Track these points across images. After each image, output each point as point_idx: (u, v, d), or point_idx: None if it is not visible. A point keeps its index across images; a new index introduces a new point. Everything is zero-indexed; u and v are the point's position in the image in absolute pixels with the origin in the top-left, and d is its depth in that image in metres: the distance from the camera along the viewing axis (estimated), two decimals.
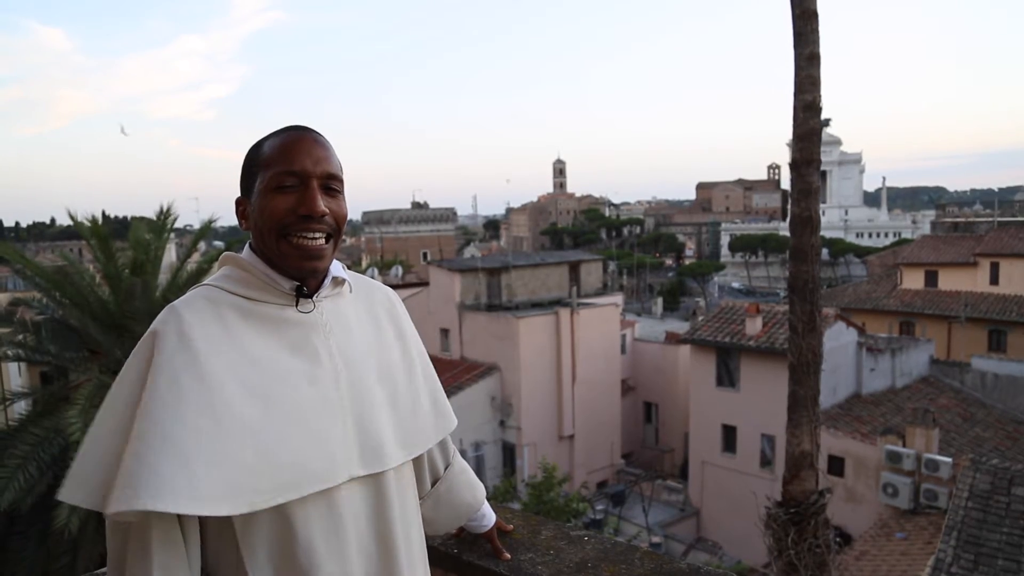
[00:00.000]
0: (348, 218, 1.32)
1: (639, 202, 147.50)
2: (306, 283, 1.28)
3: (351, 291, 1.37)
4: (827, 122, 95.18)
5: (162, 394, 1.10)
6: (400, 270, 38.83)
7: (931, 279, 29.40)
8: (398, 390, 1.36)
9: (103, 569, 1.68)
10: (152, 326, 1.19)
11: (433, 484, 1.60)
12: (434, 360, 1.85)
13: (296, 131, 1.27)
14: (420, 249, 63.14)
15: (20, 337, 9.81)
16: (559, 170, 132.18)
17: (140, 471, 1.05)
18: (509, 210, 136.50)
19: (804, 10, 6.34)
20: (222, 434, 1.11)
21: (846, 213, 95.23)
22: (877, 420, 17.44)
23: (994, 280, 27.80)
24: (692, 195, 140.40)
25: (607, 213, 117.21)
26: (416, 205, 70.86)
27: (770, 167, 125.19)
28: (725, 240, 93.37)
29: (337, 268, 1.35)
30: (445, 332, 23.80)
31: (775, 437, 17.57)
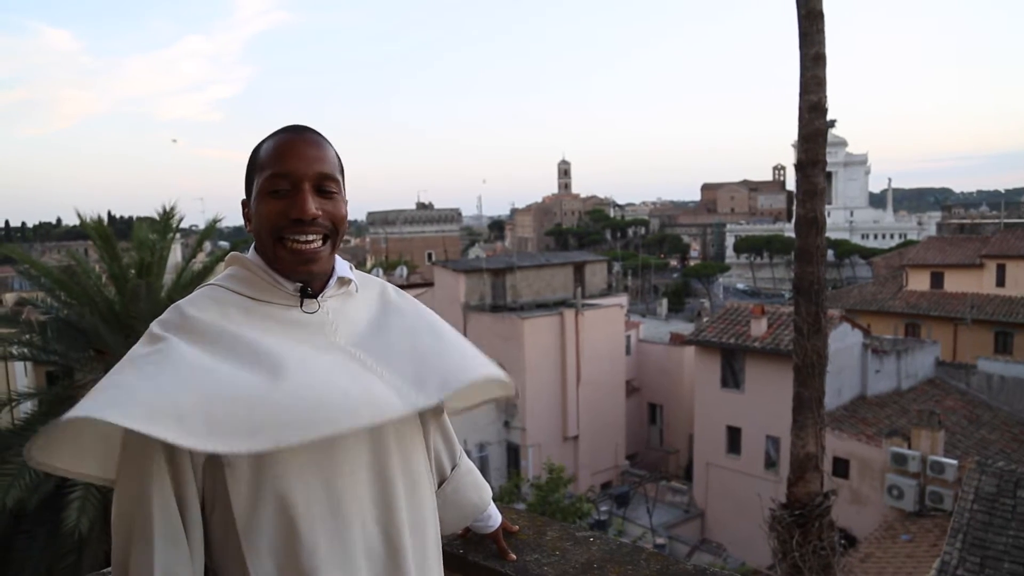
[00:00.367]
0: (350, 218, 1.30)
1: (644, 203, 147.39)
2: (310, 284, 1.27)
3: (357, 291, 1.36)
4: (833, 123, 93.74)
5: (175, 359, 1.10)
6: (405, 271, 38.88)
7: (937, 281, 29.32)
8: (419, 355, 1.29)
9: (109, 568, 1.69)
10: (159, 321, 1.20)
11: (440, 484, 1.60)
12: None
13: (290, 132, 1.26)
14: (425, 250, 63.13)
15: (26, 337, 9.85)
16: (564, 171, 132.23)
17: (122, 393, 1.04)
18: (514, 211, 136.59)
19: (810, 10, 6.34)
20: (239, 377, 1.09)
21: (851, 214, 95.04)
22: (882, 422, 17.39)
23: (1000, 282, 27.71)
24: (697, 196, 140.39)
25: (612, 214, 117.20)
26: (421, 206, 70.85)
27: (775, 168, 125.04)
28: (730, 241, 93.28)
29: (343, 268, 1.34)
30: None
31: (780, 439, 17.55)
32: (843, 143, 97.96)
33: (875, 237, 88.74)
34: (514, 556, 1.84)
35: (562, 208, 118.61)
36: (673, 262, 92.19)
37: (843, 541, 12.74)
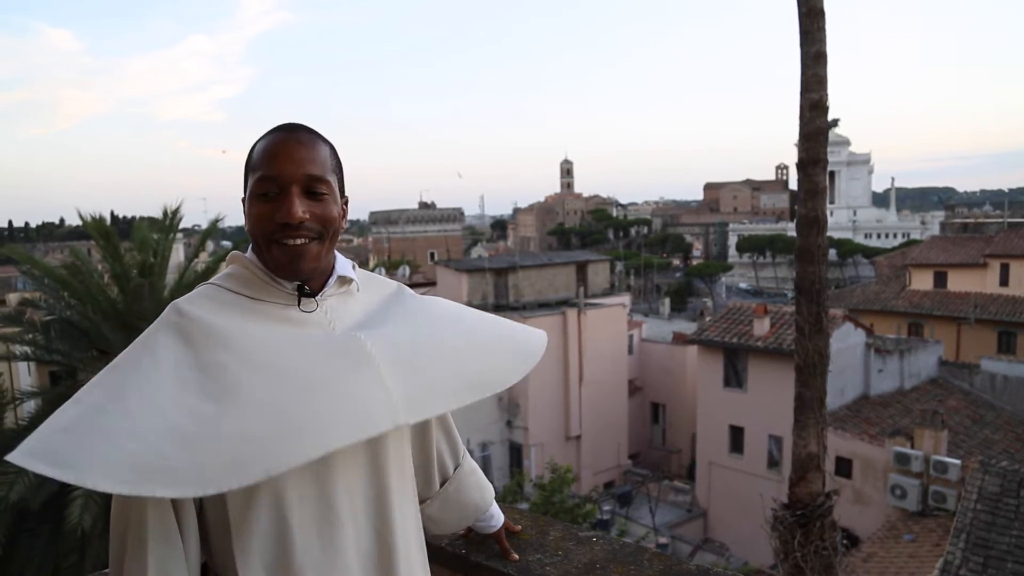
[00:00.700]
0: (352, 218, 1.29)
1: (646, 202, 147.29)
2: (308, 282, 1.26)
3: (359, 290, 1.35)
4: (835, 122, 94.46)
5: (152, 379, 1.08)
6: (407, 270, 38.88)
7: (940, 280, 29.27)
8: (423, 357, 1.27)
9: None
10: (156, 321, 1.20)
11: (442, 484, 1.60)
12: None
13: (279, 132, 1.24)
14: (427, 249, 63.13)
15: (29, 337, 9.87)
16: (566, 170, 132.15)
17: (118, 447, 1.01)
18: (516, 210, 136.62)
19: (811, 8, 6.33)
20: (227, 414, 1.07)
21: (855, 214, 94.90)
22: (885, 421, 17.37)
23: (1004, 281, 27.66)
24: (699, 195, 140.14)
25: (614, 213, 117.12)
26: (423, 205, 70.79)
27: (778, 167, 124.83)
28: (733, 241, 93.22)
29: (344, 267, 1.33)
30: None
31: (783, 438, 17.53)
32: (846, 142, 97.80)
33: (878, 236, 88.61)
34: (516, 556, 1.84)
35: (564, 207, 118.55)
36: (676, 261, 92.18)
37: (845, 541, 12.72)
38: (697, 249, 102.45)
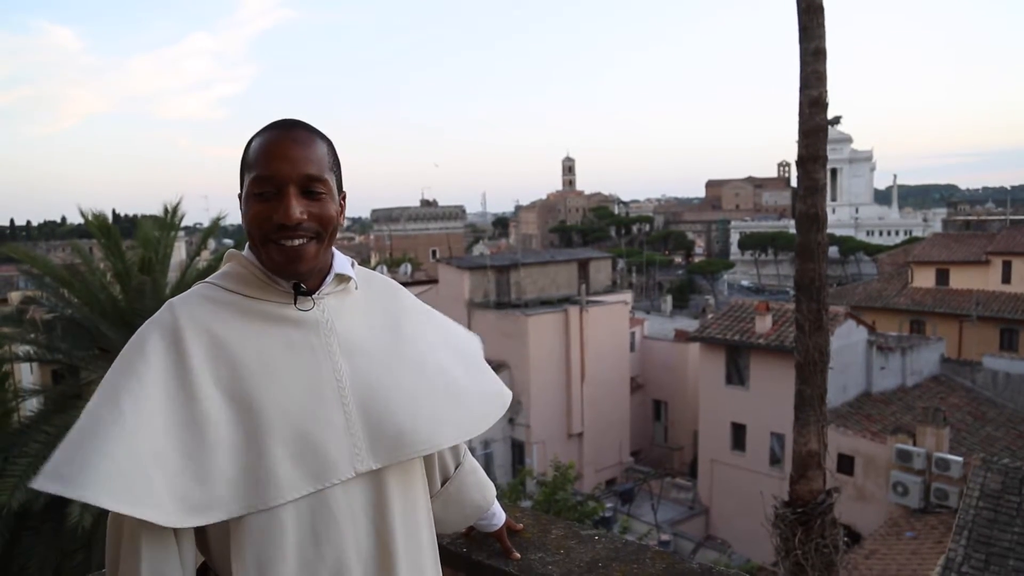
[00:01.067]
0: (353, 215, 1.29)
1: (648, 200, 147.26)
2: (305, 281, 1.26)
3: (357, 288, 1.35)
4: (837, 120, 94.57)
5: (145, 404, 1.12)
6: (409, 268, 38.86)
7: (942, 277, 29.23)
8: (405, 386, 1.32)
9: None
10: (149, 323, 1.21)
11: (443, 483, 1.59)
12: None
13: (275, 130, 1.22)
14: (429, 247, 63.15)
15: (31, 336, 9.87)
16: (568, 168, 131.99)
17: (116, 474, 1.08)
18: (518, 208, 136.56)
19: (810, 4, 6.30)
20: (204, 450, 1.13)
21: (856, 211, 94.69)
22: (887, 419, 17.36)
23: (1006, 279, 27.63)
24: (702, 193, 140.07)
25: (616, 211, 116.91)
26: (425, 203, 70.78)
27: (780, 165, 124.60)
28: (735, 238, 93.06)
29: (342, 265, 1.32)
30: None
31: (784, 435, 17.50)
32: (848, 139, 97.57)
33: (880, 234, 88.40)
34: (518, 555, 1.83)
35: (566, 205, 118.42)
36: (677, 259, 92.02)
37: (847, 538, 12.69)
38: (699, 246, 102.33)
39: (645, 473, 22.70)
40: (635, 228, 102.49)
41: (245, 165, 1.23)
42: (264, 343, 1.21)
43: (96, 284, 9.93)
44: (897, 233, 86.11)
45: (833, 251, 66.63)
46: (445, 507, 1.60)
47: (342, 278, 1.32)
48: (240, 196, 1.28)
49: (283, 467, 1.15)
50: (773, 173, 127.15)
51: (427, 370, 1.36)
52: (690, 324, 34.13)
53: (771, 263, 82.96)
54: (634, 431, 24.77)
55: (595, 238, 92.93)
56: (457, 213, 70.66)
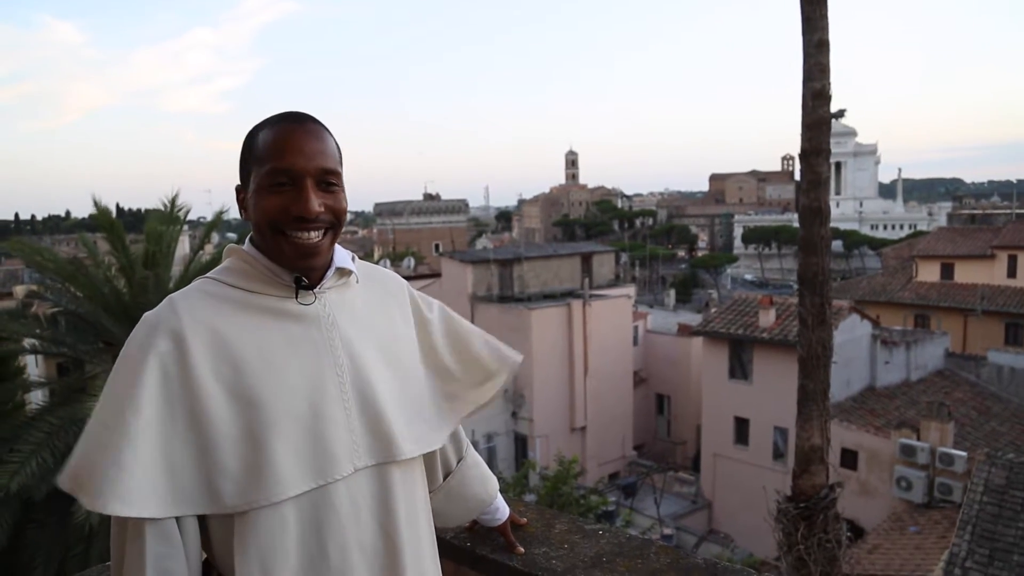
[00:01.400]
0: (356, 209, 1.29)
1: (652, 193, 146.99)
2: (307, 275, 1.25)
3: (358, 282, 1.35)
4: (841, 113, 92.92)
5: (151, 407, 1.14)
6: (412, 262, 38.92)
7: (947, 272, 29.14)
8: (408, 382, 1.35)
9: None
10: (148, 319, 1.20)
11: (445, 477, 1.59)
12: None
13: (289, 122, 1.22)
14: (432, 241, 63.14)
15: (36, 330, 9.89)
16: (571, 161, 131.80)
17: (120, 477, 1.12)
18: (521, 201, 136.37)
19: None
20: (208, 446, 1.14)
21: (861, 205, 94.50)
22: (891, 413, 17.33)
23: (1012, 273, 27.53)
24: (705, 186, 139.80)
25: (619, 204, 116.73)
26: (428, 197, 70.74)
27: (784, 158, 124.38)
28: (738, 232, 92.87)
29: (343, 259, 1.32)
30: None
31: (788, 430, 17.48)
32: (853, 133, 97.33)
33: (885, 228, 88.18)
34: (522, 549, 1.83)
35: (569, 199, 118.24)
36: (681, 253, 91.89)
37: (850, 533, 12.69)
38: (702, 240, 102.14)
39: (648, 467, 22.72)
40: (638, 222, 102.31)
41: (253, 157, 1.23)
42: (265, 338, 1.21)
43: (100, 278, 9.94)
44: (902, 227, 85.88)
45: (837, 245, 66.55)
46: (447, 500, 1.60)
47: (343, 272, 1.31)
48: (238, 188, 1.28)
49: (285, 462, 1.16)
50: (777, 167, 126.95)
51: (423, 367, 1.39)
52: (693, 318, 34.06)
53: (775, 257, 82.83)
54: (637, 425, 24.78)
55: (598, 232, 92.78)
56: (460, 207, 70.61)
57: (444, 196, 71.15)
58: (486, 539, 1.89)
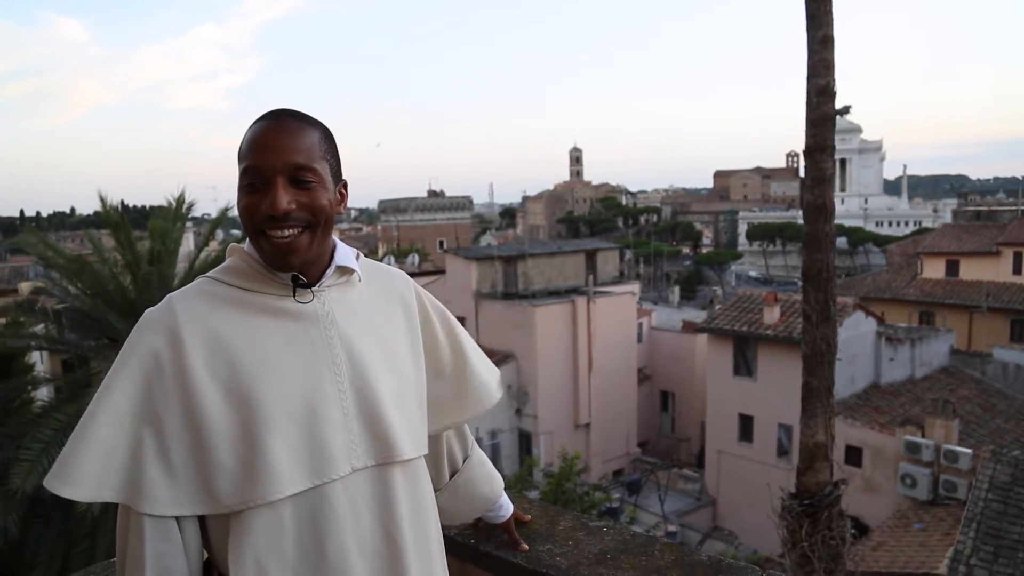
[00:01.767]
0: (361, 206, 1.28)
1: (656, 190, 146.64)
2: (305, 273, 1.24)
3: (360, 280, 1.33)
4: (847, 110, 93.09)
5: (127, 401, 1.17)
6: (417, 258, 38.93)
7: (952, 268, 29.06)
8: (407, 382, 1.33)
9: None
10: (146, 318, 1.21)
11: (451, 476, 1.59)
12: None
13: (264, 121, 1.20)
14: (436, 237, 63.08)
15: (41, 326, 9.92)
16: (576, 158, 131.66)
17: (132, 476, 1.16)
18: (525, 198, 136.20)
19: None
20: (204, 444, 1.15)
21: (866, 202, 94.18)
22: (896, 410, 17.29)
23: (1017, 270, 27.44)
24: (710, 183, 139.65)
25: (624, 201, 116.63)
26: (432, 193, 70.71)
27: (789, 155, 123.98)
28: (743, 229, 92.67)
29: (344, 257, 1.30)
30: (461, 320, 23.29)
31: (792, 427, 17.45)
32: (858, 129, 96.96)
33: (890, 224, 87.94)
34: (526, 546, 1.83)
35: (574, 195, 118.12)
36: (685, 250, 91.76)
37: (855, 530, 12.67)
38: (707, 237, 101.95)
39: (652, 464, 22.72)
40: (642, 219, 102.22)
41: (238, 157, 1.22)
42: (262, 336, 1.20)
43: (106, 275, 9.97)
44: (907, 224, 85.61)
45: (842, 242, 66.29)
46: (454, 499, 1.60)
47: (344, 270, 1.30)
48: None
49: (281, 461, 1.16)
50: (782, 163, 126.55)
51: (426, 368, 1.38)
52: (698, 315, 34.04)
53: (779, 254, 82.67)
54: (641, 422, 24.77)
55: (602, 229, 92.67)
56: (464, 204, 70.54)
57: (448, 193, 71.11)
58: (490, 536, 1.89)
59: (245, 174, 1.19)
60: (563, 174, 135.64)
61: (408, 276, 1.48)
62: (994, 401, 18.57)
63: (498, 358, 21.94)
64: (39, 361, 17.09)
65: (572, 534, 1.91)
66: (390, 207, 68.97)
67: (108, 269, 10.07)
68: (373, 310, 1.33)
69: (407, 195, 68.62)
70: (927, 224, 75.97)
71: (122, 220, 10.19)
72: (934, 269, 29.56)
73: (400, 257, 40.22)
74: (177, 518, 1.17)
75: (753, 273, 79.56)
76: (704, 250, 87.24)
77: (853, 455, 16.41)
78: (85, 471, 1.15)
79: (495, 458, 19.82)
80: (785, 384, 16.61)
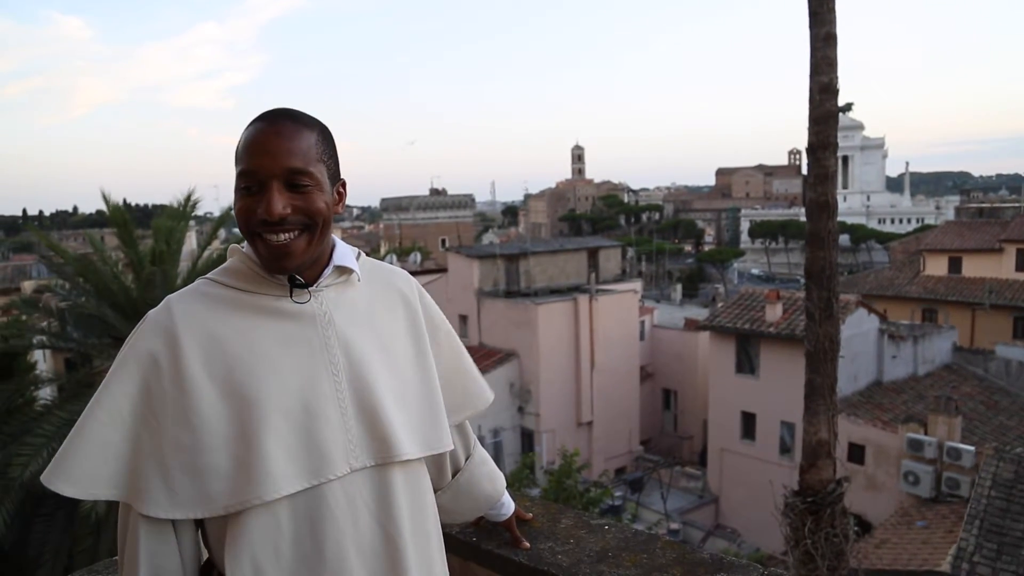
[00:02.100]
0: (363, 204, 1.28)
1: (658, 188, 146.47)
2: (303, 273, 1.24)
3: (360, 279, 1.32)
4: (849, 107, 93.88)
5: (126, 401, 1.18)
6: (419, 257, 38.92)
7: (955, 265, 29.00)
8: (409, 382, 1.32)
9: None
10: (145, 321, 1.22)
11: (454, 474, 1.58)
12: None
13: (260, 122, 1.19)
14: (438, 236, 63.04)
15: (44, 325, 9.94)
16: (577, 156, 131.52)
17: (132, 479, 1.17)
18: (527, 196, 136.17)
19: None
20: (200, 446, 1.15)
21: (868, 199, 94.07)
22: (899, 408, 17.28)
23: (1020, 267, 27.36)
24: (712, 181, 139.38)
25: (626, 199, 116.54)
26: (434, 192, 70.67)
27: (791, 152, 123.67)
28: (745, 226, 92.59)
29: (343, 257, 1.30)
30: (464, 319, 23.85)
31: (795, 424, 17.45)
32: (860, 127, 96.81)
33: (892, 222, 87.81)
34: (527, 544, 1.83)
35: (576, 193, 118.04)
36: (687, 247, 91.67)
37: (857, 527, 12.65)
38: (709, 235, 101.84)
39: (655, 462, 22.70)
40: (645, 216, 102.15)
41: (235, 160, 1.22)
42: (259, 337, 1.20)
43: (109, 273, 9.98)
44: (909, 221, 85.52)
45: (844, 239, 66.28)
46: (456, 498, 1.59)
47: (343, 270, 1.30)
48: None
49: (277, 462, 1.15)
50: (784, 161, 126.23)
51: (428, 368, 1.37)
52: (700, 313, 34.01)
53: (781, 251, 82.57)
54: (644, 420, 24.77)
55: (604, 226, 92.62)
56: (466, 202, 70.49)
57: (450, 191, 71.06)
58: (492, 534, 1.89)
59: (241, 177, 1.19)
60: (565, 172, 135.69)
61: (410, 275, 1.47)
62: (997, 398, 18.55)
63: (500, 356, 21.96)
64: (42, 360, 17.14)
65: (573, 532, 1.92)
66: (392, 205, 68.95)
67: (111, 269, 10.09)
68: (373, 309, 1.33)
69: (409, 193, 68.62)
70: (929, 221, 75.93)
71: (129, 220, 10.21)
72: (936, 266, 29.51)
73: (402, 256, 40.22)
74: (173, 519, 1.17)
75: (755, 271, 79.50)
76: (706, 248, 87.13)
77: (856, 453, 16.40)
78: (82, 469, 1.16)
79: (497, 457, 19.84)
80: (787, 381, 16.62)
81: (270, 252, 1.19)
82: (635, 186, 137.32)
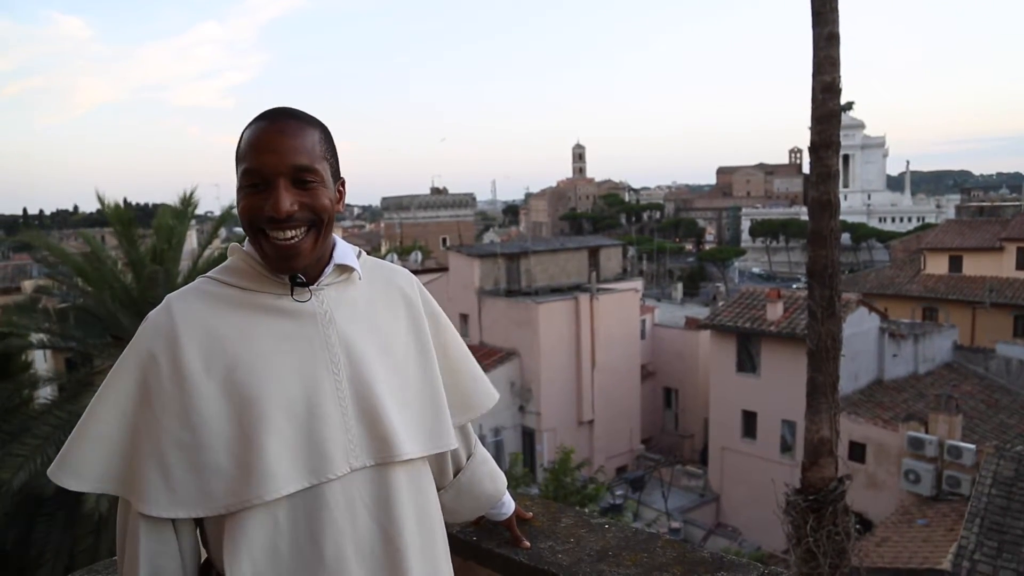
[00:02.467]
0: (364, 203, 1.29)
1: (659, 187, 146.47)
2: (304, 272, 1.24)
3: (361, 278, 1.32)
4: (850, 105, 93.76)
5: (127, 399, 1.19)
6: (419, 256, 38.88)
7: (955, 264, 28.98)
8: (410, 381, 1.32)
9: None
10: (146, 321, 1.22)
11: (455, 474, 1.58)
12: None
13: (264, 121, 1.19)
14: (439, 235, 63.03)
15: (44, 324, 9.94)
16: (578, 155, 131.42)
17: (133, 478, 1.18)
18: (528, 195, 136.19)
19: None
20: (200, 445, 1.15)
21: (869, 198, 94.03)
22: (899, 406, 17.28)
23: (1020, 265, 27.34)
24: (712, 180, 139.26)
25: (627, 198, 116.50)
26: (435, 191, 70.63)
27: (792, 151, 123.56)
28: (746, 225, 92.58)
29: (344, 255, 1.30)
30: (464, 318, 23.86)
31: (796, 423, 17.46)
32: (861, 125, 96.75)
33: (893, 220, 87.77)
34: (528, 543, 1.83)
35: (577, 192, 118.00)
36: (688, 246, 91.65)
37: (859, 526, 12.64)
38: (710, 234, 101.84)
39: (656, 461, 22.70)
40: (645, 215, 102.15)
41: (237, 158, 1.21)
42: (259, 336, 1.20)
43: (109, 272, 9.98)
44: (910, 220, 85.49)
45: (845, 238, 66.19)
46: (457, 497, 1.59)
47: (344, 268, 1.30)
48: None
49: (277, 460, 1.15)
50: (784, 159, 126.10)
51: (421, 369, 1.36)
52: (701, 312, 34.00)
53: (782, 250, 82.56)
54: (645, 419, 24.78)
55: (605, 225, 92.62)
56: (467, 201, 70.47)
57: (451, 190, 71.04)
58: (492, 533, 1.89)
59: (246, 175, 1.18)
60: (566, 171, 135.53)
61: (411, 273, 1.47)
62: (997, 397, 18.54)
63: (501, 355, 21.96)
64: (42, 359, 17.14)
65: (574, 531, 1.91)
66: (393, 204, 68.93)
67: (109, 267, 10.09)
68: (374, 308, 1.33)
69: (410, 192, 68.61)
70: (930, 220, 75.91)
71: (130, 218, 10.21)
72: (937, 265, 29.48)
73: (403, 254, 40.20)
74: (173, 518, 1.17)
75: (756, 269, 79.54)
76: (707, 247, 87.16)
77: (857, 451, 16.40)
78: (88, 463, 1.17)
79: (498, 456, 19.83)
80: (788, 380, 16.62)
81: (277, 252, 1.19)
82: (636, 185, 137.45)
